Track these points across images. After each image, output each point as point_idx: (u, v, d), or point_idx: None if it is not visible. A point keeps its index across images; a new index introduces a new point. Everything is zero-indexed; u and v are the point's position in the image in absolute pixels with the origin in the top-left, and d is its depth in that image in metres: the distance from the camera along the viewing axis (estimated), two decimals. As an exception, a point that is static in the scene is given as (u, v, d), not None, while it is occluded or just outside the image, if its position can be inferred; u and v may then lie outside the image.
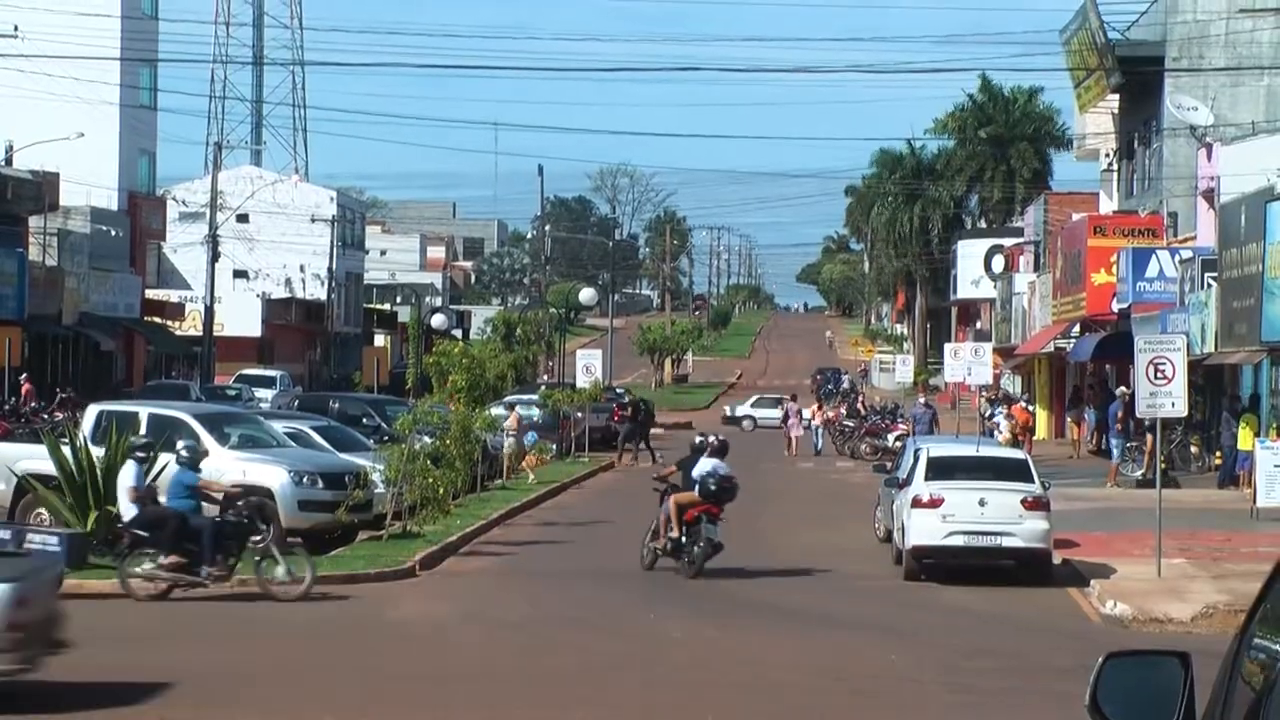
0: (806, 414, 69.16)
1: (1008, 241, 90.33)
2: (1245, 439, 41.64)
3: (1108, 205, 67.09)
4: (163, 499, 26.16)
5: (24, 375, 58.67)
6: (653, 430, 63.64)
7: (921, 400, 60.52)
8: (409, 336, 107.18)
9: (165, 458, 28.94)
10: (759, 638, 22.47)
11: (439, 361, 38.45)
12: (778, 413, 70.57)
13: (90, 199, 77.27)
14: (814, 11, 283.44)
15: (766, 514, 41.43)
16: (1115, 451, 48.39)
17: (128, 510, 25.83)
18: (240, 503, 25.93)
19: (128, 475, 26.09)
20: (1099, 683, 6.38)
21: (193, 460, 26.42)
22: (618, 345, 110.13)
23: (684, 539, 28.74)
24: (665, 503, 29.22)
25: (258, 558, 25.24)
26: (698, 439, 31.45)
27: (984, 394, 70.45)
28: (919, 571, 29.10)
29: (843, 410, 72.47)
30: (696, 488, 29.00)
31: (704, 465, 29.52)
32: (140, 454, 26.51)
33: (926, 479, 29.30)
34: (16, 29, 64.92)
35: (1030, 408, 62.76)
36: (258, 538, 25.19)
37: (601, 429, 64.51)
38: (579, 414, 60.32)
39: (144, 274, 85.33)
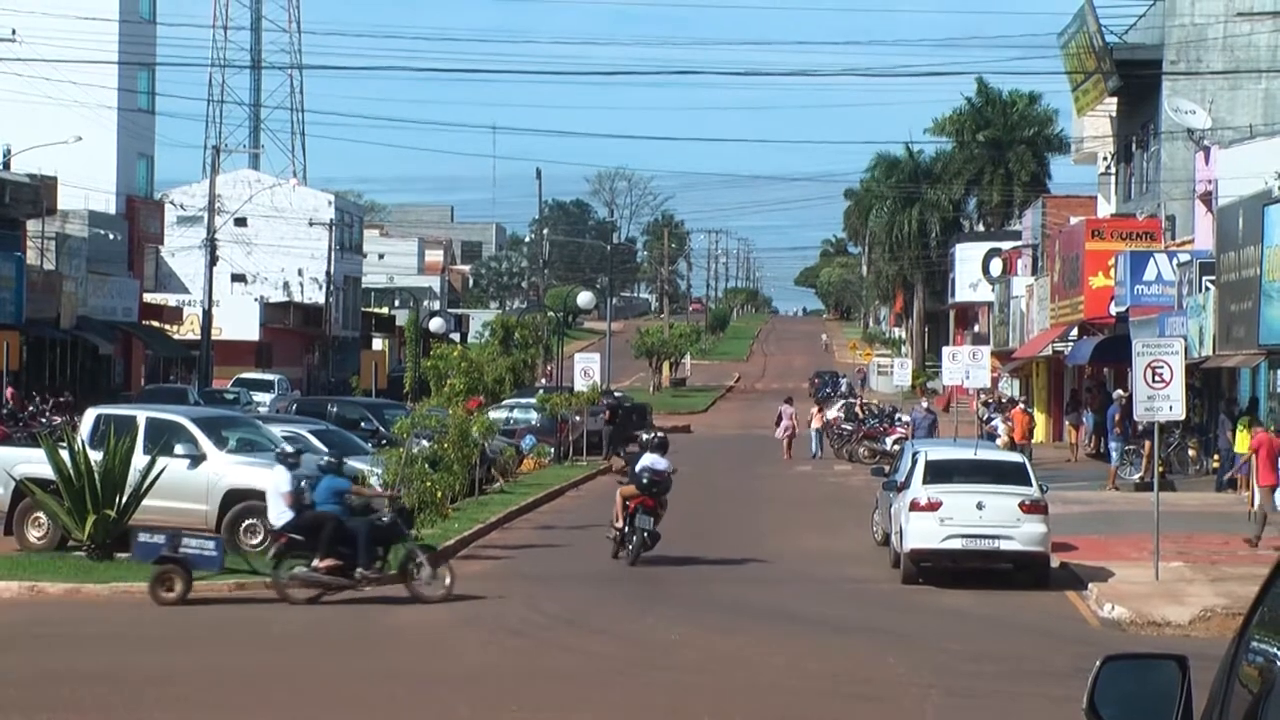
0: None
1: (1006, 245, 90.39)
2: (1242, 442, 41.63)
3: (1105, 208, 67.14)
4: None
5: (7, 381, 58.06)
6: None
7: (923, 405, 60.43)
8: (406, 340, 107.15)
9: (164, 461, 29.00)
10: (757, 641, 22.47)
11: (437, 365, 38.43)
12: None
13: (88, 203, 77.25)
14: (812, 15, 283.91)
15: (764, 518, 41.44)
16: (1114, 455, 48.40)
17: (281, 515, 26.02)
18: (385, 506, 26.44)
19: (282, 481, 26.29)
20: (1096, 686, 6.39)
21: (339, 466, 26.81)
22: (616, 349, 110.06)
23: (626, 529, 31.06)
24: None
25: (403, 560, 25.60)
26: (644, 436, 34.08)
27: (982, 397, 70.46)
28: (917, 575, 29.11)
29: (840, 414, 72.36)
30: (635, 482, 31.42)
31: (644, 460, 31.90)
32: (291, 460, 26.86)
33: (925, 482, 29.33)
34: (14, 33, 64.88)
35: (1029, 411, 62.73)
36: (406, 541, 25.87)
37: (599, 432, 64.51)
38: (577, 417, 60.35)
39: (142, 278, 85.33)
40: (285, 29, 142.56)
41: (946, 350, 66.61)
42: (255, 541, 29.93)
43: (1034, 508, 28.81)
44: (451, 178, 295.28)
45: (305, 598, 25.35)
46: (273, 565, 25.76)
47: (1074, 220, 66.28)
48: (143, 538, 25.75)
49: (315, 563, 25.50)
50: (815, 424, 67.86)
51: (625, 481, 32.11)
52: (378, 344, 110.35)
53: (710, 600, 26.79)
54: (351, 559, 25.48)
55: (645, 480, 31.17)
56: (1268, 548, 31.76)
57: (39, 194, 69.49)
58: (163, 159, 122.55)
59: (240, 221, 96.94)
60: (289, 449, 27.89)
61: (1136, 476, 46.41)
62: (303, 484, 26.39)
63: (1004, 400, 70.56)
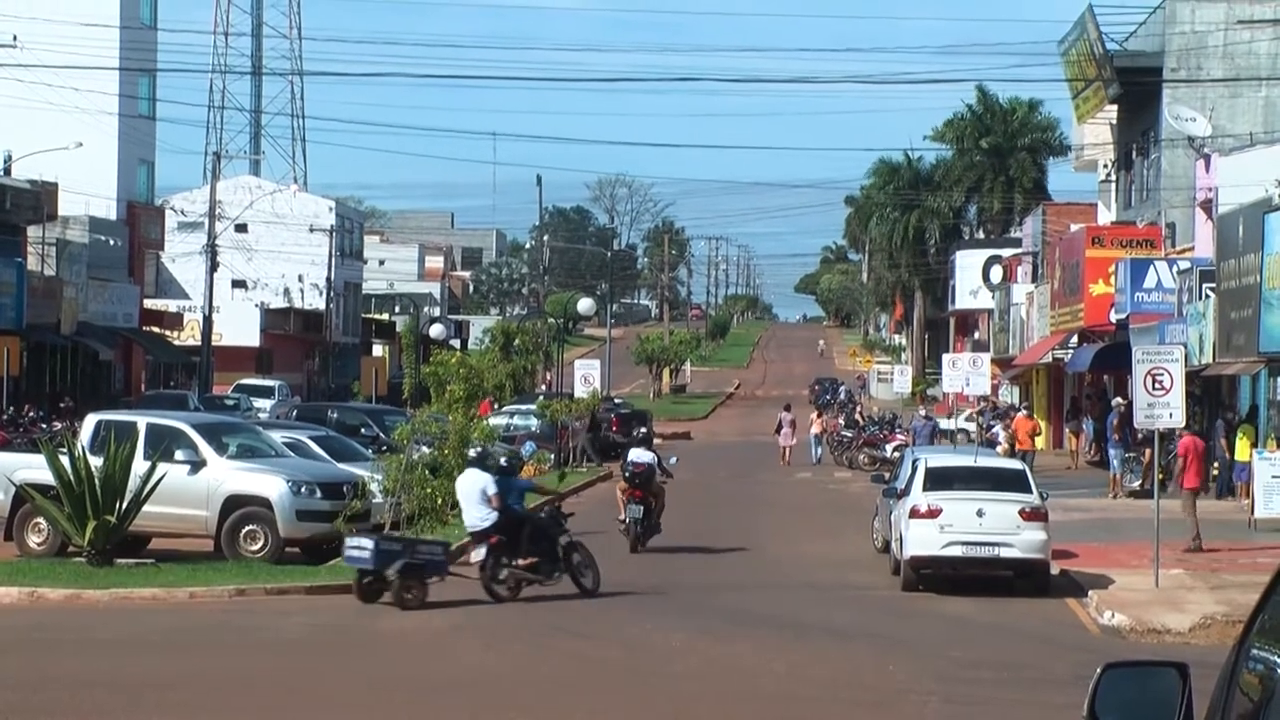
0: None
1: (1006, 252, 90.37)
2: (1243, 450, 41.63)
3: (1106, 216, 67.13)
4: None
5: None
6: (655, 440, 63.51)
7: (922, 413, 60.30)
8: (404, 346, 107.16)
9: (164, 467, 28.99)
10: (757, 647, 22.46)
11: (436, 371, 38.39)
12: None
13: (89, 209, 77.24)
14: (813, 22, 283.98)
15: (764, 525, 41.43)
16: (1113, 462, 48.36)
17: (486, 517, 26.89)
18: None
19: (489, 484, 27.15)
20: (1097, 693, 6.40)
21: (517, 467, 28.81)
22: (616, 355, 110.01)
23: (625, 520, 34.32)
24: None
25: (566, 554, 27.22)
26: (635, 434, 36.16)
27: (979, 404, 70.41)
28: (917, 582, 29.09)
29: (840, 420, 72.46)
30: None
31: (630, 455, 35.77)
32: (489, 463, 28.10)
33: (925, 489, 29.31)
34: (15, 38, 64.89)
35: (1034, 416, 62.64)
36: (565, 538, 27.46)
37: (600, 439, 64.51)
38: (577, 424, 60.32)
39: (142, 284, 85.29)
40: (286, 35, 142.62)
41: (947, 357, 66.56)
42: (255, 548, 29.92)
43: (1034, 515, 28.80)
44: (452, 184, 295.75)
45: (506, 594, 26.44)
46: (481, 566, 26.63)
47: (1074, 227, 66.27)
48: (383, 545, 26.02)
49: (518, 561, 26.52)
50: (815, 430, 68.22)
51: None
52: (378, 350, 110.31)
53: (710, 606, 26.79)
54: (542, 555, 26.83)
55: (628, 473, 34.55)
56: (1266, 556, 31.76)
57: (40, 200, 69.50)
58: (163, 165, 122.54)
59: (241, 227, 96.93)
60: (479, 451, 29.80)
61: (1136, 484, 46.39)
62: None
63: (999, 408, 70.41)
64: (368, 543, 25.93)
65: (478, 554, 26.66)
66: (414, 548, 26.14)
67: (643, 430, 36.95)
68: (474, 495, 27.11)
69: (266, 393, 78.96)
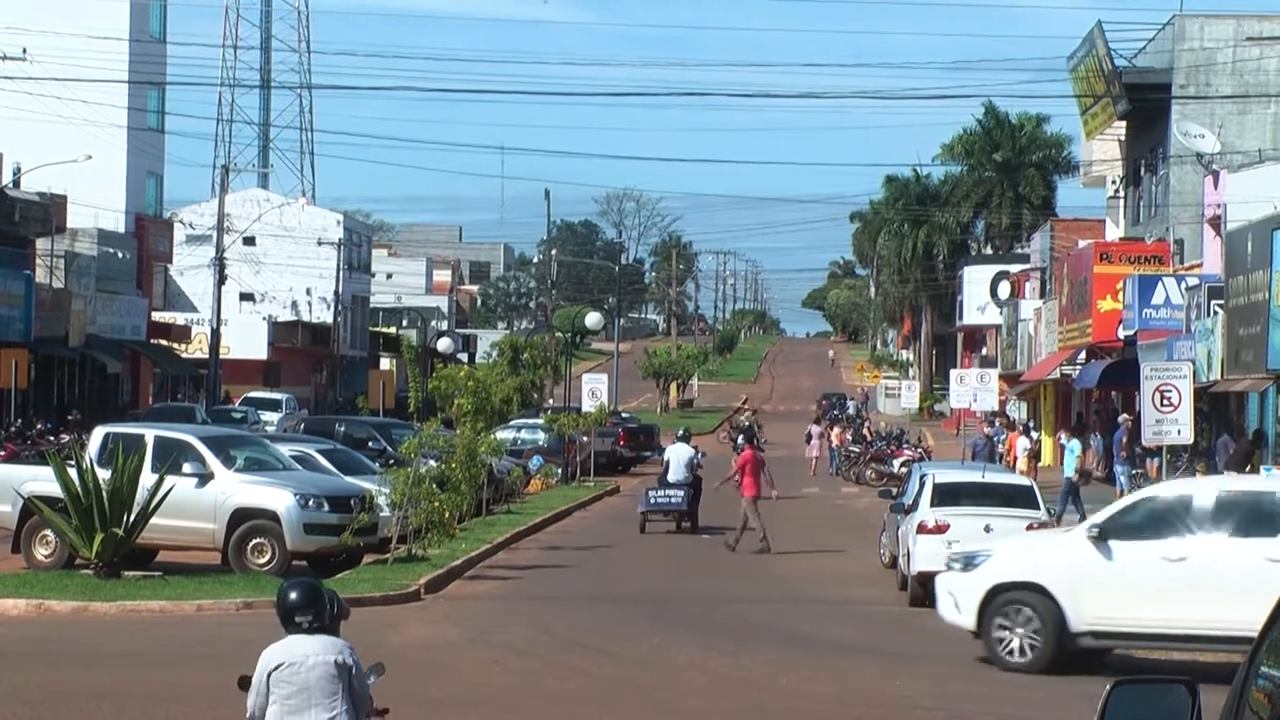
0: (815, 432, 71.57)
1: (1014, 268, 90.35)
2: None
3: (1114, 232, 67.12)
4: None
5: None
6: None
7: (985, 432, 59.60)
8: (409, 360, 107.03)
9: (172, 479, 28.97)
10: (763, 662, 22.45)
11: (441, 385, 38.39)
12: None
13: (97, 221, 77.31)
14: (821, 37, 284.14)
15: (772, 539, 41.41)
16: (1120, 478, 48.30)
17: (688, 477, 40.95)
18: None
19: (697, 457, 41.77)
20: (1106, 709, 6.40)
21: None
22: (623, 369, 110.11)
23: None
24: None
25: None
26: (744, 424, 50.97)
27: (992, 419, 70.36)
28: (924, 597, 29.05)
29: (848, 435, 72.58)
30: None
31: (740, 441, 46.86)
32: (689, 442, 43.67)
33: (932, 505, 29.31)
34: (25, 51, 64.92)
35: (1033, 434, 62.50)
36: None
37: (607, 453, 64.61)
38: (584, 438, 60.35)
39: (151, 296, 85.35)
40: (295, 49, 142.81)
41: (954, 373, 66.61)
42: (263, 561, 29.92)
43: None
44: (460, 198, 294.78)
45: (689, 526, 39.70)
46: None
47: (1082, 243, 66.26)
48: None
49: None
50: (834, 442, 69.92)
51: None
52: (385, 364, 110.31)
53: (717, 621, 26.78)
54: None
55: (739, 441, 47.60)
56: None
57: (49, 212, 69.57)
58: (172, 178, 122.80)
59: (249, 240, 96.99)
60: (685, 431, 44.65)
61: (1140, 500, 46.22)
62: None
63: (1014, 423, 70.37)
64: (680, 491, 39.45)
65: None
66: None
67: (747, 420, 48.45)
68: (683, 460, 40.63)
69: (274, 406, 78.97)
